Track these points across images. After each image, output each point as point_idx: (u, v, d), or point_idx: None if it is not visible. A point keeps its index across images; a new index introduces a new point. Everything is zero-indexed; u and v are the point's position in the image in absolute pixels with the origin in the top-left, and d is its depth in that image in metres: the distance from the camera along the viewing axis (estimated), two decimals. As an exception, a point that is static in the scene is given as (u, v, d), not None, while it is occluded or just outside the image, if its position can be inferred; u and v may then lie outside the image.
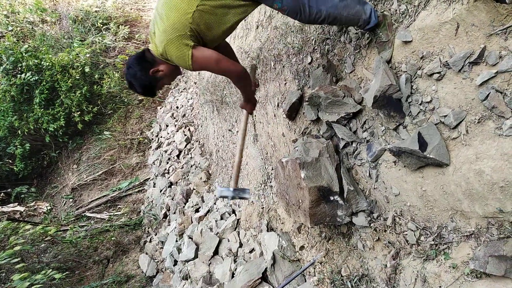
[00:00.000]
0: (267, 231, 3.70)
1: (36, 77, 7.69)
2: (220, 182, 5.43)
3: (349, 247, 2.62)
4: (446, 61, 1.81)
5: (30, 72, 7.65)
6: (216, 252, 4.28)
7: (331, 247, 2.80)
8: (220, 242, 4.33)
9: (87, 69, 8.23)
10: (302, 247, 3.16)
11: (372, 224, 2.38)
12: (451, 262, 1.87)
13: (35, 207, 7.72)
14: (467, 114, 1.77)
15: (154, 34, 2.03)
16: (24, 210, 7.47)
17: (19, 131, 7.96)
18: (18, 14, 9.49)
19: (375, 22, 2.12)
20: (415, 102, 1.99)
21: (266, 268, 3.34)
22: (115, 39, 9.36)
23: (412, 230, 2.13)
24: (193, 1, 1.87)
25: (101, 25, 9.50)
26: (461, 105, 1.79)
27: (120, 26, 9.51)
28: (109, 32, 9.40)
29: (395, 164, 2.17)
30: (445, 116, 1.84)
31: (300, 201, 2.41)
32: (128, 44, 9.47)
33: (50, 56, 8.00)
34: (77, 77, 7.98)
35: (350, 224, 2.51)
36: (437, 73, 1.85)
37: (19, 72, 7.72)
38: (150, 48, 2.08)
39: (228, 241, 4.25)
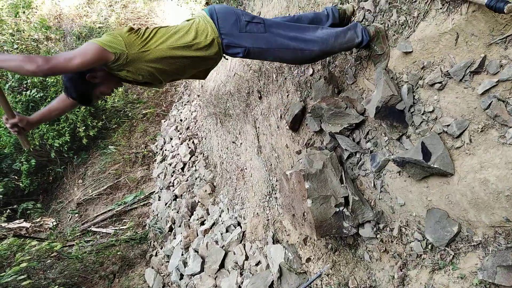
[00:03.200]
0: (273, 243, 3.67)
1: (41, 94, 7.77)
2: (225, 194, 5.42)
3: (356, 259, 2.60)
4: (447, 71, 1.82)
5: (35, 89, 7.73)
6: (222, 265, 4.26)
7: (337, 258, 2.78)
8: (226, 255, 4.31)
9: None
10: (308, 259, 3.14)
11: (378, 235, 2.37)
12: (459, 273, 1.85)
13: (41, 223, 7.73)
14: (470, 123, 1.77)
15: None
16: (30, 226, 7.47)
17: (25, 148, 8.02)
18: (23, 32, 9.63)
19: (368, 40, 2.16)
20: (418, 112, 1.99)
21: (272, 281, 3.31)
22: (119, 55, 9.45)
23: (419, 240, 2.12)
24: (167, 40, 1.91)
25: (105, 41, 9.60)
26: (463, 114, 1.79)
27: (123, 42, 9.60)
28: (112, 47, 9.50)
29: (399, 174, 2.17)
30: (448, 125, 1.85)
31: (305, 213, 2.40)
32: (131, 59, 9.55)
33: (55, 72, 8.08)
34: (81, 93, 8.04)
35: (356, 236, 2.50)
36: (439, 83, 1.86)
37: (25, 89, 7.81)
38: None
39: (234, 254, 4.22)
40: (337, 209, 2.35)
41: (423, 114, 1.97)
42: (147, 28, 1.96)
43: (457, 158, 1.83)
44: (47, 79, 7.84)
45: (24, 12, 9.93)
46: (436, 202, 1.96)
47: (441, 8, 1.81)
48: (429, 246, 2.05)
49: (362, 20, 2.31)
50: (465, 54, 1.75)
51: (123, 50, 1.80)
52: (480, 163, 1.73)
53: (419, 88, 1.99)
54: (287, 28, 2.08)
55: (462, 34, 1.73)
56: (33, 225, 7.61)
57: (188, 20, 2.05)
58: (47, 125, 7.83)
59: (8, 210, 7.66)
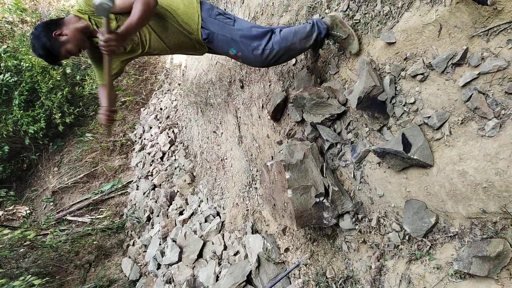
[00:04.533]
0: (252, 233, 3.66)
1: (16, 78, 7.49)
2: (205, 184, 5.38)
3: (334, 249, 2.61)
4: (430, 63, 1.81)
5: (9, 73, 7.44)
6: (200, 255, 4.23)
7: (316, 249, 2.79)
8: (204, 245, 4.28)
9: (68, 70, 8.06)
10: (287, 249, 3.14)
11: (357, 226, 2.38)
12: (435, 263, 1.87)
13: (14, 211, 7.51)
14: (450, 115, 1.78)
15: None
16: (2, 214, 7.26)
17: (-3, 133, 7.74)
18: (-4, 14, 9.25)
19: (326, 29, 2.22)
20: (399, 103, 1.99)
21: (251, 270, 3.30)
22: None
23: (396, 231, 2.13)
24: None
25: (83, 25, 9.31)
26: (444, 106, 1.80)
27: (102, 26, 9.34)
28: (91, 32, 9.22)
29: (379, 166, 2.17)
30: (429, 117, 1.85)
31: (286, 204, 2.39)
32: (111, 44, 9.30)
33: (30, 57, 7.80)
34: (58, 78, 7.79)
35: (335, 226, 2.50)
36: (421, 74, 1.86)
37: (-2, 73, 7.52)
38: (71, 12, 2.05)
39: (213, 244, 4.20)
40: (317, 200, 2.34)
41: (404, 105, 1.97)
42: None
43: (436, 149, 1.85)
44: (21, 63, 7.56)
45: (-3, -7, 9.53)
46: (415, 193, 1.98)
47: (425, -1, 1.80)
48: (407, 237, 2.07)
49: (346, 10, 2.29)
50: (447, 46, 1.75)
51: None
52: (459, 155, 1.74)
53: (401, 80, 1.98)
54: (252, 27, 2.19)
55: (445, 25, 1.73)
56: (5, 213, 7.40)
57: None
58: (21, 111, 7.57)
59: (-21, 198, 7.42)
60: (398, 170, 2.03)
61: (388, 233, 2.18)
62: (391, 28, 1.99)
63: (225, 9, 3.83)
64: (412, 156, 1.85)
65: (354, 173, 2.37)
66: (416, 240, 2.01)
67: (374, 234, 2.27)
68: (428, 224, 1.91)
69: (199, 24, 2.12)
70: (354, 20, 2.24)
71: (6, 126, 7.66)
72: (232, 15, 2.21)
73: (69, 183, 7.98)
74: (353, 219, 2.39)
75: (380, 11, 2.06)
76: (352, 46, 2.22)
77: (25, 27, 9.43)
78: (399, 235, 2.12)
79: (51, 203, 7.87)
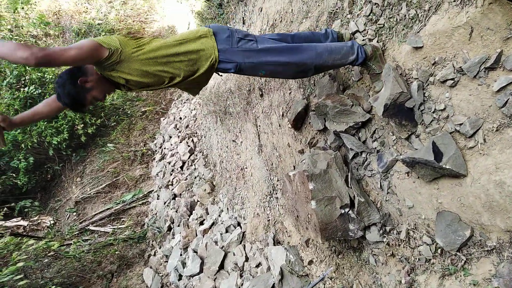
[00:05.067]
0: (274, 244, 3.59)
1: (39, 90, 7.66)
2: (225, 193, 5.33)
3: (361, 262, 2.51)
4: (460, 67, 1.73)
5: (33, 85, 7.62)
6: (221, 267, 4.17)
7: (341, 261, 2.69)
8: (225, 256, 4.22)
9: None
10: (310, 262, 3.05)
11: (384, 238, 2.28)
12: (472, 279, 1.76)
13: (39, 221, 7.64)
14: (484, 122, 1.68)
15: None
16: (27, 225, 7.39)
17: (23, 145, 7.90)
18: (22, 28, 9.53)
19: (363, 58, 2.14)
20: (428, 110, 1.90)
21: (274, 283, 3.22)
22: (118, 51, 9.34)
23: (428, 244, 2.03)
24: (167, 46, 1.93)
25: (104, 38, 9.49)
26: (477, 112, 1.70)
27: (123, 38, 9.50)
28: (112, 44, 9.38)
29: (408, 175, 2.08)
30: (461, 124, 1.76)
31: (309, 215, 2.31)
32: (131, 56, 9.44)
33: (53, 69, 8.00)
34: (80, 90, 7.95)
35: (361, 238, 2.41)
36: (451, 79, 1.77)
37: (23, 85, 7.70)
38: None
39: (234, 255, 4.14)
40: (343, 211, 2.25)
41: (434, 112, 1.88)
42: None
43: (470, 158, 1.74)
44: (45, 75, 7.74)
45: (23, 8, 9.83)
46: (447, 204, 1.87)
47: (454, 1, 1.72)
48: (439, 251, 1.97)
49: (369, 14, 2.22)
50: (479, 49, 1.66)
51: (117, 47, 1.80)
52: (495, 164, 1.64)
53: (429, 85, 1.90)
54: (279, 44, 2.09)
55: (477, 28, 1.64)
56: (30, 223, 7.53)
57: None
58: (45, 123, 7.73)
59: (6, 208, 7.56)
60: (428, 180, 1.93)
61: (418, 246, 2.08)
62: (418, 32, 1.91)
63: (243, 19, 3.81)
64: (444, 166, 1.76)
65: (380, 183, 2.27)
66: (450, 254, 1.90)
67: (404, 247, 2.17)
68: (462, 237, 1.80)
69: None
70: (378, 24, 2.16)
71: (31, 137, 7.83)
72: (253, 36, 2.09)
73: (92, 193, 8.07)
74: (381, 231, 2.29)
75: (405, 15, 1.98)
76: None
77: (48, 40, 9.69)
78: (430, 249, 2.01)
79: (74, 213, 7.98)
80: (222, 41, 1.98)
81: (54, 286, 5.03)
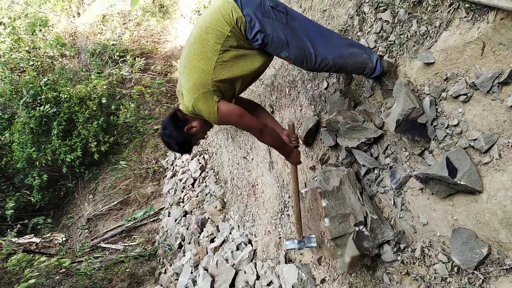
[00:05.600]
0: (286, 262, 3.54)
1: (55, 109, 7.83)
2: (236, 210, 5.31)
3: (374, 281, 2.46)
4: (473, 82, 1.72)
5: (48, 104, 7.80)
6: (232, 285, 4.12)
7: (354, 280, 2.64)
8: (236, 274, 4.17)
9: (104, 100, 8.36)
10: (323, 280, 3.00)
11: (399, 256, 2.23)
12: (490, 299, 1.71)
13: (51, 238, 7.68)
14: (499, 137, 1.66)
15: (181, 95, 2.10)
16: (40, 242, 7.43)
17: (37, 162, 8.04)
18: (39, 49, 9.82)
19: (380, 71, 2.14)
20: (441, 126, 1.89)
21: (285, 302, 3.17)
22: (131, 71, 9.53)
23: (443, 262, 1.98)
24: (212, 57, 1.91)
25: (118, 58, 9.72)
26: (491, 127, 1.68)
27: (136, 58, 9.70)
28: (125, 64, 9.59)
29: (421, 192, 2.05)
30: (475, 139, 1.74)
31: (322, 233, 2.29)
32: (144, 75, 9.63)
33: (68, 88, 8.18)
34: (94, 108, 8.09)
35: (375, 256, 2.36)
36: (464, 94, 1.76)
37: (38, 104, 7.88)
38: (181, 108, 2.15)
39: (245, 273, 4.09)
40: (357, 228, 2.23)
41: (447, 127, 1.87)
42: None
43: (485, 174, 1.72)
44: (60, 94, 7.91)
45: (40, 30, 10.14)
46: (463, 221, 1.84)
47: (465, 17, 1.73)
48: (455, 269, 1.92)
49: (379, 32, 2.23)
50: (492, 64, 1.65)
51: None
52: (511, 180, 1.61)
53: (442, 101, 1.89)
54: (309, 25, 2.03)
55: (489, 43, 1.64)
56: (43, 240, 7.57)
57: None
58: (59, 140, 7.87)
59: (19, 225, 7.64)
60: (443, 197, 1.90)
61: (434, 265, 2.03)
62: (429, 48, 1.92)
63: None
64: (458, 182, 1.73)
65: (394, 199, 2.25)
66: (467, 273, 1.85)
67: (419, 265, 2.12)
68: (479, 255, 1.76)
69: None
70: (389, 41, 2.18)
71: (45, 155, 7.96)
72: (284, 7, 1.98)
73: (103, 210, 8.12)
74: (395, 249, 2.25)
75: (416, 31, 1.99)
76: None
77: (64, 61, 9.94)
78: (446, 267, 1.96)
79: (86, 230, 8.02)
80: (254, 7, 1.89)
81: (65, 304, 5.02)
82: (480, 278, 1.78)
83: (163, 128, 2.18)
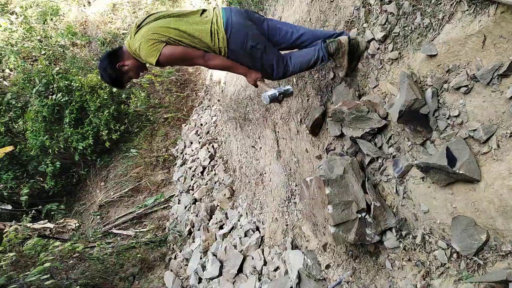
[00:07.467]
0: (292, 249, 3.64)
1: (66, 98, 7.96)
2: (244, 198, 5.42)
3: (377, 266, 2.54)
4: (474, 74, 1.76)
5: (60, 93, 7.92)
6: (240, 270, 4.24)
7: (358, 266, 2.73)
8: (244, 259, 4.29)
9: (114, 89, 8.47)
10: (328, 266, 3.09)
11: (401, 243, 2.31)
12: (486, 283, 1.78)
13: (64, 224, 7.88)
14: (497, 128, 1.71)
15: (138, 29, 2.28)
16: (53, 227, 7.63)
17: (50, 150, 8.22)
18: (51, 38, 9.94)
19: (327, 56, 2.48)
20: (443, 116, 1.94)
21: (291, 287, 3.27)
22: (142, 60, 9.59)
23: (443, 249, 2.05)
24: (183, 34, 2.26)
25: (128, 47, 9.77)
26: (491, 118, 1.73)
27: (146, 47, 9.75)
28: (135, 52, 9.64)
29: (423, 180, 2.11)
30: (474, 130, 1.79)
31: (326, 220, 2.37)
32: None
33: (79, 77, 8.30)
34: (105, 97, 8.20)
35: (378, 243, 2.44)
36: (465, 86, 1.81)
37: (51, 93, 8.03)
38: (125, 43, 2.36)
39: (253, 258, 4.20)
40: (359, 215, 2.30)
41: (448, 118, 1.92)
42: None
43: (484, 164, 1.77)
44: (72, 83, 8.03)
45: (52, 19, 10.25)
46: (462, 209, 1.90)
47: (467, 10, 1.76)
48: (454, 255, 1.99)
49: (384, 23, 2.27)
50: (492, 56, 1.69)
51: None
52: (508, 170, 1.66)
53: (444, 92, 1.94)
54: (275, 52, 2.49)
55: (489, 36, 1.68)
56: (56, 226, 7.77)
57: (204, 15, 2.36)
58: (71, 129, 8.02)
59: (33, 211, 7.85)
60: (443, 185, 1.96)
61: (434, 251, 2.10)
62: (432, 40, 1.96)
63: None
64: (457, 171, 1.79)
65: (396, 188, 2.31)
66: (466, 259, 1.92)
67: (419, 251, 2.20)
68: (478, 241, 1.82)
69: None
70: (393, 33, 2.22)
71: (58, 143, 8.13)
72: (263, 45, 2.39)
73: (115, 197, 8.29)
74: (397, 236, 2.32)
75: (420, 24, 2.03)
76: (342, 72, 2.57)
77: (75, 50, 10.06)
78: (445, 253, 2.03)
79: (98, 217, 8.21)
80: (237, 43, 2.31)
81: (78, 287, 5.20)
82: (480, 264, 1.85)
83: (100, 60, 2.38)
